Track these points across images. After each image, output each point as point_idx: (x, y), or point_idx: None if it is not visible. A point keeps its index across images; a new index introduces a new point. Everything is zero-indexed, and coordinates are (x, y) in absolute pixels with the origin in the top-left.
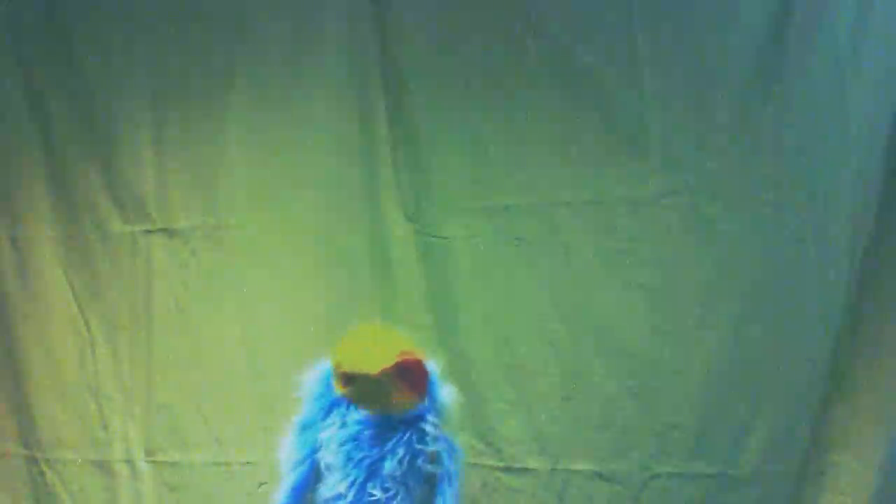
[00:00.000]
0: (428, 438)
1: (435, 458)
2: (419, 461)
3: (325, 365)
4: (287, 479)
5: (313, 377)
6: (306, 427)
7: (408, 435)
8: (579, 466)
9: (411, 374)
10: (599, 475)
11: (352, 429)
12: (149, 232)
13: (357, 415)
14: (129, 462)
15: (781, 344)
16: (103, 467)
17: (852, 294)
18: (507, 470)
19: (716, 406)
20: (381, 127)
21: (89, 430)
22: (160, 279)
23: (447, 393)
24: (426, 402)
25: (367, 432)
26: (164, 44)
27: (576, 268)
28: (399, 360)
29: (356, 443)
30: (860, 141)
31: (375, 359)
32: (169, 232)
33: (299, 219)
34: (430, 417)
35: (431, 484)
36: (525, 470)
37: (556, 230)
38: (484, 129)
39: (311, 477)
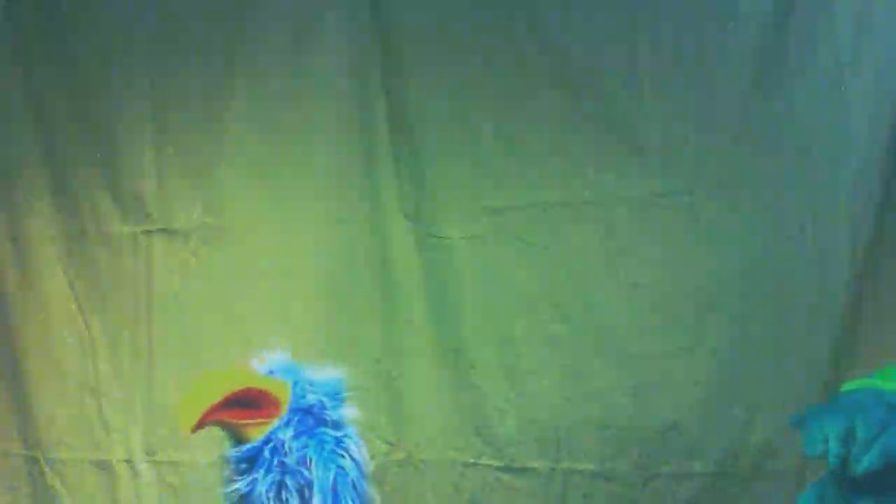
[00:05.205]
0: (283, 454)
1: (308, 466)
2: (285, 477)
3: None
4: None
5: None
6: None
7: (266, 456)
8: (579, 466)
9: (245, 402)
10: (599, 475)
11: (232, 465)
12: (149, 232)
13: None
14: (129, 462)
15: (781, 344)
16: (103, 467)
17: (852, 293)
18: (507, 470)
19: (716, 406)
20: (381, 127)
21: (89, 430)
22: (160, 279)
23: (330, 391)
24: (283, 417)
25: (238, 467)
26: (164, 44)
27: (576, 268)
28: (208, 413)
29: (233, 476)
30: (860, 141)
31: (187, 418)
32: (169, 232)
33: (299, 219)
34: (279, 433)
35: (306, 493)
36: (525, 470)
37: (556, 230)
38: (484, 129)
39: None
